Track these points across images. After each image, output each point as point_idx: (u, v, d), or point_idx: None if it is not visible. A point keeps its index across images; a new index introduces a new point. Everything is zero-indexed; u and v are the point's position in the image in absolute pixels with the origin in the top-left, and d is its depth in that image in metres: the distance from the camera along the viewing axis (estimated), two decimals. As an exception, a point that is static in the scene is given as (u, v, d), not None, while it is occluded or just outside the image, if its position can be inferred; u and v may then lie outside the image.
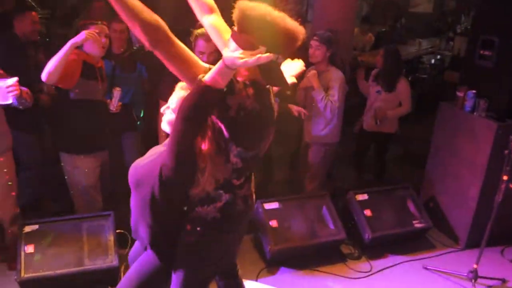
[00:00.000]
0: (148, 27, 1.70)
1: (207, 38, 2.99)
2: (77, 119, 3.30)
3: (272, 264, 3.60)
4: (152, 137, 3.64)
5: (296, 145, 4.48)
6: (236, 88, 1.83)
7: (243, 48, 1.71)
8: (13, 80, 2.81)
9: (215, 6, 2.10)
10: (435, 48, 8.13)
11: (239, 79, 1.88)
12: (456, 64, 6.98)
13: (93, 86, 3.30)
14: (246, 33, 1.73)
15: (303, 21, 5.79)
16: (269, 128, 2.02)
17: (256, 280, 3.44)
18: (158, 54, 1.77)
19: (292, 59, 2.64)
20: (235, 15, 1.74)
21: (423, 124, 6.33)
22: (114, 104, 3.48)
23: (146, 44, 1.73)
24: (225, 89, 1.77)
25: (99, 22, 3.29)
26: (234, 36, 1.77)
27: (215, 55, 3.09)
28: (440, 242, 4.08)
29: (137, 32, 1.71)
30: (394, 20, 9.75)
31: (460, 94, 3.86)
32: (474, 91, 3.75)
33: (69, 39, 3.08)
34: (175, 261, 2.14)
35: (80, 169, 3.43)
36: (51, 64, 2.99)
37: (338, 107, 3.86)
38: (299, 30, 1.80)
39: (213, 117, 1.86)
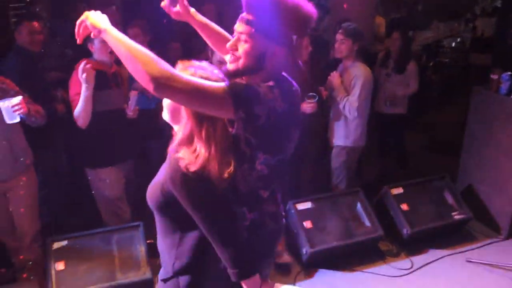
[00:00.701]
0: (150, 66, 1.48)
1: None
2: (95, 132, 3.16)
3: (308, 267, 3.47)
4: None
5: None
6: (261, 95, 1.61)
7: None
8: (18, 98, 2.74)
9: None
10: (455, 31, 7.89)
11: (260, 83, 1.66)
12: (479, 45, 6.76)
13: (107, 96, 3.18)
14: (254, 12, 1.62)
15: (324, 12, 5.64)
16: (295, 128, 1.81)
17: (294, 284, 3.32)
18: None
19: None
20: None
21: (450, 109, 6.17)
22: (131, 108, 3.31)
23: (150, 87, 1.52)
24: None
25: None
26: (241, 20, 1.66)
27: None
28: (481, 233, 3.91)
29: (139, 73, 1.51)
30: (409, 6, 9.52)
31: (494, 76, 3.68)
32: (509, 73, 3.57)
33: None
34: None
35: (104, 182, 3.34)
36: (78, 110, 3.02)
37: (359, 107, 3.53)
38: (312, 10, 1.67)
39: (239, 130, 1.66)
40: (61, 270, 3.05)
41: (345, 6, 4.78)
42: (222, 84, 1.59)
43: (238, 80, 1.70)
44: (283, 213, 1.97)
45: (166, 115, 1.81)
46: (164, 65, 1.49)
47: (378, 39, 6.55)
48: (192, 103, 1.58)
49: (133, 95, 3.31)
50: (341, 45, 3.59)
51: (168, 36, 4.60)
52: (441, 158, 5.10)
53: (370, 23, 5.36)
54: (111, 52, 3.13)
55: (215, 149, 1.62)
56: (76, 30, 1.62)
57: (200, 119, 1.63)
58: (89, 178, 3.36)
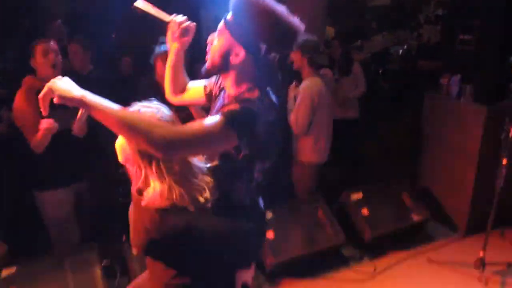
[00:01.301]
0: (148, 133, 1.43)
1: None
2: (41, 154, 2.94)
3: (273, 277, 3.40)
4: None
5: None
6: (257, 113, 1.58)
7: None
8: None
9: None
10: (401, 39, 8.16)
11: (249, 97, 1.65)
12: (426, 52, 6.99)
13: (54, 116, 2.84)
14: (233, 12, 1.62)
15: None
16: (279, 130, 1.80)
17: (259, 296, 3.25)
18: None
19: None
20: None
21: (402, 115, 6.29)
22: (78, 125, 2.98)
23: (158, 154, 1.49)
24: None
25: (46, 40, 3.01)
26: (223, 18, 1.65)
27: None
28: (440, 233, 4.00)
29: (139, 142, 1.47)
30: (358, 16, 9.78)
31: (443, 81, 3.78)
32: (459, 76, 3.68)
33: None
34: None
35: (50, 204, 3.14)
36: (41, 142, 2.86)
37: (298, 121, 3.44)
38: (297, 28, 1.63)
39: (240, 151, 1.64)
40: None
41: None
42: (217, 119, 1.53)
43: (231, 105, 1.63)
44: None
45: (120, 158, 1.69)
46: (164, 128, 1.47)
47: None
48: (200, 151, 1.64)
49: (82, 111, 3.07)
50: (293, 57, 3.57)
51: (118, 50, 4.48)
52: (397, 163, 5.16)
53: (322, 33, 5.41)
54: (54, 66, 2.99)
55: (172, 179, 1.56)
56: (40, 104, 1.52)
57: (148, 158, 1.55)
58: (37, 200, 3.17)
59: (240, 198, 1.73)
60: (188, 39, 1.89)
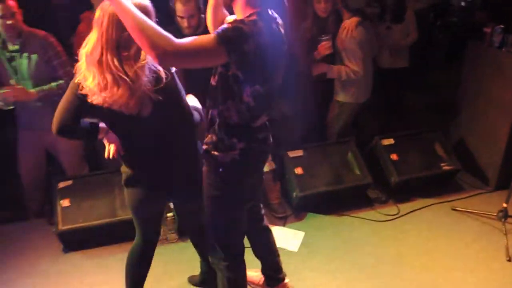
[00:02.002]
0: (153, 42, 1.65)
1: (184, 1, 3.02)
2: None
3: (298, 210, 3.66)
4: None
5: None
6: (247, 32, 1.78)
7: None
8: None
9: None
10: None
11: (244, 19, 1.84)
12: (487, 4, 6.65)
13: None
14: None
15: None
16: (280, 59, 2.01)
17: (284, 226, 3.52)
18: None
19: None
20: None
21: (455, 69, 6.15)
22: None
23: (155, 61, 1.71)
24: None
25: None
26: None
27: (196, 18, 3.08)
28: (470, 185, 4.04)
29: (143, 47, 1.69)
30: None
31: (487, 30, 3.72)
32: (501, 26, 3.61)
33: None
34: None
35: None
36: None
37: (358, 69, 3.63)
38: None
39: (229, 70, 1.86)
40: (66, 207, 3.29)
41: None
42: (211, 36, 1.76)
43: (224, 25, 1.84)
44: (271, 140, 2.22)
45: None
46: (167, 41, 1.66)
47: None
48: (192, 64, 1.89)
49: None
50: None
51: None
52: (442, 117, 5.14)
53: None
54: None
55: None
56: None
57: None
58: None
59: (231, 116, 1.97)
60: None
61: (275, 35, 1.94)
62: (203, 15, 3.02)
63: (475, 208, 3.66)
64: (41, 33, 3.13)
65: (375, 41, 4.11)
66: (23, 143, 3.41)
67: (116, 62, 1.83)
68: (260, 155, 2.19)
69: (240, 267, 2.35)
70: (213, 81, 1.98)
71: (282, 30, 2.01)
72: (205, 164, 2.13)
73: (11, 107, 3.11)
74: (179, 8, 3.05)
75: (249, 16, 1.87)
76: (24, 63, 3.08)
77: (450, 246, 3.29)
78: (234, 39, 1.76)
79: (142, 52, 1.87)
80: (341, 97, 3.83)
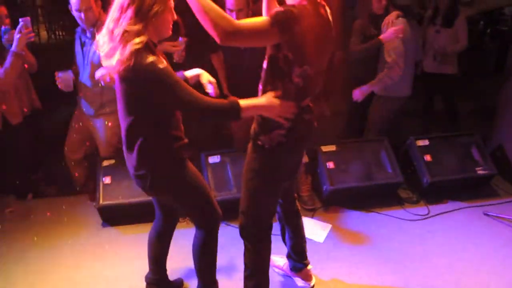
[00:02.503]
0: (216, 23, 1.83)
1: None
2: None
3: (328, 204, 3.73)
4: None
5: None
6: (297, 14, 1.94)
7: None
8: None
9: None
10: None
11: (295, 4, 2.02)
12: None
13: None
14: None
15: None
16: (328, 39, 2.16)
17: (312, 218, 3.60)
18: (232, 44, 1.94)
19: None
20: None
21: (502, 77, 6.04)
22: (177, 54, 3.50)
23: (217, 40, 1.86)
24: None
25: None
26: None
27: (245, 12, 3.22)
28: (505, 191, 3.98)
29: (207, 27, 1.86)
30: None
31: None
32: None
33: None
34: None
35: None
36: None
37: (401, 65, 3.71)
38: None
39: (280, 51, 2.02)
40: (108, 184, 3.52)
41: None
42: (266, 18, 1.94)
43: (276, 8, 2.04)
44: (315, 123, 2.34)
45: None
46: (228, 22, 1.85)
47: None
48: (248, 43, 2.07)
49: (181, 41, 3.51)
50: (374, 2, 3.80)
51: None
52: (481, 122, 5.08)
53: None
54: None
55: None
56: None
57: None
58: None
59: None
60: None
61: (324, 20, 2.09)
62: (250, 12, 3.22)
63: (507, 214, 3.61)
64: None
65: (420, 43, 4.13)
66: (73, 122, 3.67)
67: None
68: (305, 136, 2.30)
69: (267, 240, 2.46)
70: (264, 65, 2.14)
71: (330, 17, 2.15)
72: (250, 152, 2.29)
73: (71, 90, 3.35)
74: (230, 0, 3.21)
75: (300, 1, 2.03)
76: (91, 51, 3.31)
77: (478, 249, 3.26)
78: (285, 20, 1.92)
79: None
80: (382, 91, 3.90)
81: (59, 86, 3.28)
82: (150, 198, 3.39)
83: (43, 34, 8.70)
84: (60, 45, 8.22)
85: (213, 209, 2.39)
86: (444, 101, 4.79)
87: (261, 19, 1.95)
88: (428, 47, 4.54)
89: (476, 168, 3.85)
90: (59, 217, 3.61)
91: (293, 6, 1.99)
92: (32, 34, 3.18)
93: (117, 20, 1.91)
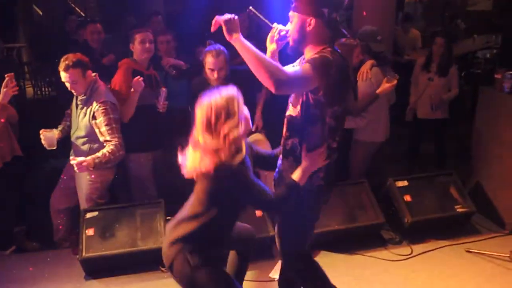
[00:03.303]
0: (271, 73, 2.04)
1: (215, 54, 3.38)
2: (130, 122, 3.63)
3: (311, 248, 3.73)
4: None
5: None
6: (331, 59, 2.15)
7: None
8: None
9: None
10: (491, 43, 7.93)
11: (323, 50, 2.21)
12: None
13: (142, 93, 3.58)
14: None
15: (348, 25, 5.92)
16: (350, 82, 2.41)
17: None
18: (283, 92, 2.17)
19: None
20: None
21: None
22: (161, 102, 3.70)
23: (272, 89, 2.06)
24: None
25: (143, 29, 3.72)
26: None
27: (224, 71, 3.42)
28: (486, 228, 4.04)
29: (262, 78, 2.06)
30: (450, 19, 9.68)
31: (498, 76, 3.86)
32: (511, 72, 3.74)
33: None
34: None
35: (135, 163, 3.80)
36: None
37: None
38: None
39: (314, 94, 2.22)
40: (91, 236, 3.51)
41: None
42: (307, 65, 2.13)
43: (313, 55, 2.20)
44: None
45: None
46: (280, 72, 2.06)
47: (414, 50, 6.84)
48: (296, 90, 2.26)
49: (163, 91, 3.71)
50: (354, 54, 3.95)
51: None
52: (457, 162, 5.18)
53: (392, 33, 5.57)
54: (148, 52, 3.67)
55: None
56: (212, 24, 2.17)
57: None
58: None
59: (313, 141, 2.27)
60: (283, 42, 2.42)
61: (345, 63, 2.28)
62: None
63: (489, 250, 3.66)
64: (101, 99, 3.37)
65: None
66: (63, 173, 3.77)
67: None
68: (335, 176, 2.49)
69: (316, 264, 2.65)
70: (294, 112, 2.31)
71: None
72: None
73: (54, 148, 3.48)
74: (210, 61, 3.40)
75: (322, 50, 2.22)
76: (81, 115, 3.41)
77: (462, 287, 3.29)
78: (323, 64, 2.12)
79: None
80: (360, 136, 4.04)
81: (43, 143, 3.39)
82: (134, 249, 3.45)
83: (29, 90, 8.83)
84: (46, 101, 8.34)
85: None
86: (436, 144, 4.91)
87: (303, 67, 2.14)
88: (420, 94, 4.70)
89: (456, 206, 3.92)
90: (42, 271, 3.57)
91: (323, 51, 2.18)
92: (16, 88, 3.35)
93: None
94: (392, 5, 5.18)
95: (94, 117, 3.34)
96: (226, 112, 2.11)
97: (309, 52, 2.28)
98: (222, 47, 3.42)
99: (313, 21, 2.22)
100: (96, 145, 3.42)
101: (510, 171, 3.89)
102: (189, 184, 2.32)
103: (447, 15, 10.06)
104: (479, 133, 4.22)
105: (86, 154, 3.38)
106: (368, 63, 3.88)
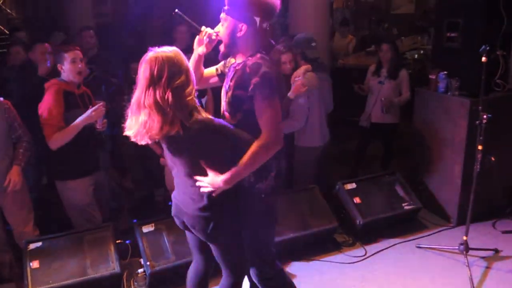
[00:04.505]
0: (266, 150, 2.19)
1: None
2: (65, 147, 3.35)
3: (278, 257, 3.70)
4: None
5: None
6: (268, 67, 2.19)
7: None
8: None
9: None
10: (418, 44, 8.33)
11: (256, 61, 2.22)
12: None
13: (76, 115, 3.34)
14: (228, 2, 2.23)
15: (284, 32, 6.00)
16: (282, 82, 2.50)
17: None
18: None
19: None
20: None
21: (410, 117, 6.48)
22: (100, 122, 3.44)
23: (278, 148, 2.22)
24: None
25: (72, 47, 3.45)
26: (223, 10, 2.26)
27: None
28: (432, 223, 4.20)
29: (266, 158, 2.21)
30: (377, 23, 10.10)
31: (432, 76, 4.04)
32: (445, 72, 3.92)
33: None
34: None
35: (76, 191, 3.52)
36: (62, 138, 3.31)
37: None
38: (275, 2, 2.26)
39: None
40: (36, 268, 3.28)
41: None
42: (263, 101, 2.17)
43: (252, 80, 2.18)
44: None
45: None
46: (265, 144, 2.17)
47: (347, 54, 7.03)
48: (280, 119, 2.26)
49: (100, 106, 3.40)
50: (284, 59, 3.92)
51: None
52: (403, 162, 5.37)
53: (328, 39, 5.72)
54: (79, 73, 3.41)
55: None
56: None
57: None
58: (58, 189, 3.53)
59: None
60: (211, 45, 2.41)
61: (277, 69, 2.36)
62: None
63: (438, 244, 3.81)
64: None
65: (331, 93, 4.35)
66: None
67: None
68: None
69: (282, 269, 2.66)
70: (232, 121, 2.32)
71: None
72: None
73: None
74: None
75: (251, 56, 2.27)
76: None
77: (417, 282, 3.39)
78: (272, 82, 2.17)
79: None
80: (298, 141, 4.09)
81: None
82: (85, 278, 3.25)
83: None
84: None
85: (246, 258, 2.49)
86: (385, 147, 5.04)
87: (270, 107, 2.18)
88: (374, 98, 4.80)
89: (403, 204, 4.05)
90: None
91: (259, 63, 2.19)
92: None
93: None
94: (325, 12, 5.30)
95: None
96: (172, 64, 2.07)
97: (239, 57, 2.31)
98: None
99: (244, 27, 2.22)
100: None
101: (448, 167, 4.06)
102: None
103: (374, 19, 10.48)
104: (418, 132, 4.38)
105: None
106: (302, 68, 3.90)
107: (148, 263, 3.37)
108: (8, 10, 9.59)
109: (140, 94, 2.10)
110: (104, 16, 8.21)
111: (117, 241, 3.53)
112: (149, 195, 4.72)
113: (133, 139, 2.16)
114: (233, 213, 2.35)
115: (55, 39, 6.01)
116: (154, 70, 2.05)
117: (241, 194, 2.34)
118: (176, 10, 2.36)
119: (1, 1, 9.37)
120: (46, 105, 3.30)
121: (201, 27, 2.39)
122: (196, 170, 2.21)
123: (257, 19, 2.21)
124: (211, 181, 2.17)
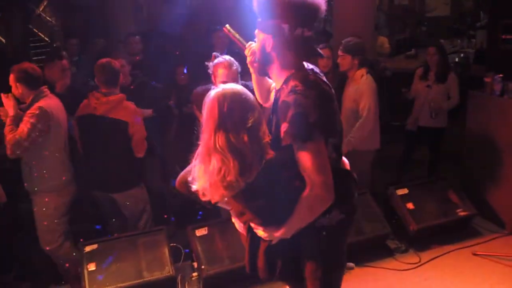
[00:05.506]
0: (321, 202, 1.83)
1: (227, 65, 3.17)
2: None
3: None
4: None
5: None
6: (320, 87, 1.88)
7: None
8: None
9: None
10: (458, 47, 8.19)
11: (295, 89, 1.85)
12: (480, 57, 7.00)
13: None
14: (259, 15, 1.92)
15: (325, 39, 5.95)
16: (334, 100, 1.99)
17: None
18: None
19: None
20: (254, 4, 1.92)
21: (455, 121, 6.35)
22: None
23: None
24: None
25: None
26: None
27: (237, 83, 3.22)
28: (487, 229, 4.10)
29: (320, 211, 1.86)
30: (414, 26, 9.96)
31: (487, 79, 3.95)
32: (501, 75, 3.84)
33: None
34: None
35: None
36: None
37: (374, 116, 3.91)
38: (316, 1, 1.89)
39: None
40: (93, 271, 3.33)
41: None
42: (312, 144, 1.80)
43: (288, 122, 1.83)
44: None
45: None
46: (317, 194, 1.80)
47: (381, 56, 6.95)
48: (327, 165, 1.86)
49: None
50: (341, 60, 3.94)
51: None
52: (449, 167, 5.25)
53: (372, 40, 5.65)
54: None
55: None
56: None
57: None
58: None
59: None
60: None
61: (326, 87, 1.95)
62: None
63: (495, 251, 3.71)
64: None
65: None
66: None
67: None
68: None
69: None
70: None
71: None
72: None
73: None
74: (222, 72, 3.18)
75: (292, 76, 1.90)
76: None
77: (476, 291, 3.31)
78: (323, 124, 1.81)
79: None
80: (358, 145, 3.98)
81: None
82: (141, 280, 3.28)
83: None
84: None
85: None
86: (433, 151, 4.94)
87: (313, 149, 1.80)
88: (421, 102, 4.71)
89: (457, 210, 3.97)
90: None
91: (294, 96, 1.81)
92: None
93: None
94: (370, 12, 5.24)
95: None
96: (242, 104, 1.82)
97: (276, 80, 2.00)
98: (232, 58, 3.24)
99: (269, 40, 1.91)
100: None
101: (506, 171, 3.96)
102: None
103: (410, 22, 10.35)
104: (472, 135, 4.29)
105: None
106: (363, 70, 3.90)
107: (202, 267, 3.38)
108: (48, 18, 9.79)
109: (208, 138, 1.82)
110: (141, 23, 8.32)
111: (171, 245, 3.55)
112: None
113: (202, 197, 1.88)
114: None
115: (96, 46, 6.13)
116: (223, 108, 1.80)
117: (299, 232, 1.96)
118: (227, 25, 2.20)
119: (41, 9, 9.57)
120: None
121: (248, 42, 2.13)
122: None
123: (285, 27, 1.87)
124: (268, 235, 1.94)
